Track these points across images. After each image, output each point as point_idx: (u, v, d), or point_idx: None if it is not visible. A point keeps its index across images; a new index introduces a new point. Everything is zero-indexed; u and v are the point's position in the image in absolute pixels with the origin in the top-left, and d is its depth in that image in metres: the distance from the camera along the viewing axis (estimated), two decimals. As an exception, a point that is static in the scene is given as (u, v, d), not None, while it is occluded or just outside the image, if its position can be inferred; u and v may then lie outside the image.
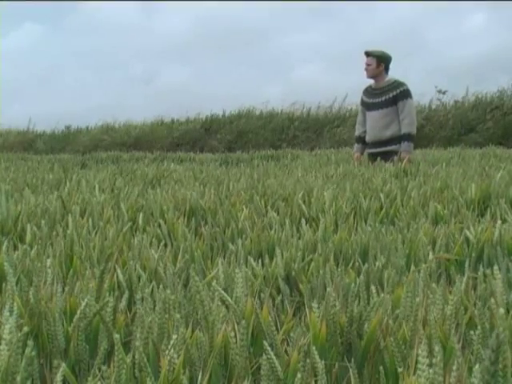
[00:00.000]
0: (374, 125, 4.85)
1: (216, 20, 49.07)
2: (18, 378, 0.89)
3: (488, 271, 1.38)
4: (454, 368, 0.82)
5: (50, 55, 43.10)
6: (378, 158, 4.63)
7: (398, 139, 4.74)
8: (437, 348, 0.79)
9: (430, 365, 0.80)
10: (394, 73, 5.02)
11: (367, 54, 4.86)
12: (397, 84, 4.81)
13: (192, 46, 44.31)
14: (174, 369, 0.93)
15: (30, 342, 0.90)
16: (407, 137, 4.69)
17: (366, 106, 4.96)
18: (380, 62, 4.82)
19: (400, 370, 0.92)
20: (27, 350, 0.89)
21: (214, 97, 24.82)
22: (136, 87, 33.12)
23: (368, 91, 4.99)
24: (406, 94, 4.75)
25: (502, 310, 0.92)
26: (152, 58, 43.29)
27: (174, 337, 0.97)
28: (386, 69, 4.89)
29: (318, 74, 30.03)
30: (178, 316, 1.06)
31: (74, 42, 44.95)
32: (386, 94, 4.81)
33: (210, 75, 31.94)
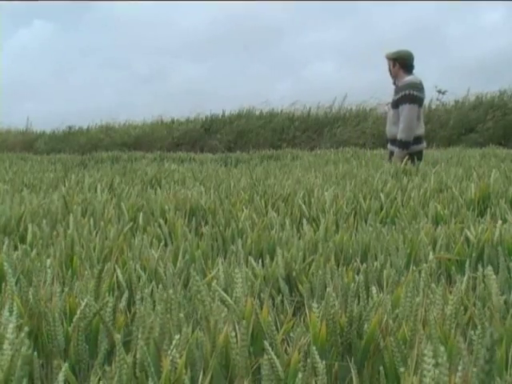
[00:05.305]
0: (387, 122, 5.04)
1: (232, 19, 49.00)
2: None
3: (486, 271, 1.38)
4: (460, 368, 0.82)
5: (60, 53, 42.91)
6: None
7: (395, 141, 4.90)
8: (442, 348, 0.78)
9: (435, 365, 0.79)
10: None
11: (386, 57, 4.94)
12: (404, 87, 4.81)
13: (206, 45, 44.22)
14: (176, 369, 0.93)
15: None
16: (398, 143, 4.81)
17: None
18: (395, 62, 4.88)
19: (402, 369, 0.92)
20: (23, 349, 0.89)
21: (225, 95, 24.76)
22: (147, 86, 33.06)
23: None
24: (406, 99, 4.77)
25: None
26: (165, 56, 43.24)
27: (177, 337, 0.97)
28: (404, 68, 4.87)
29: (333, 73, 30.14)
30: (181, 315, 1.06)
31: (86, 41, 44.76)
32: (395, 94, 4.89)
33: (223, 74, 31.95)
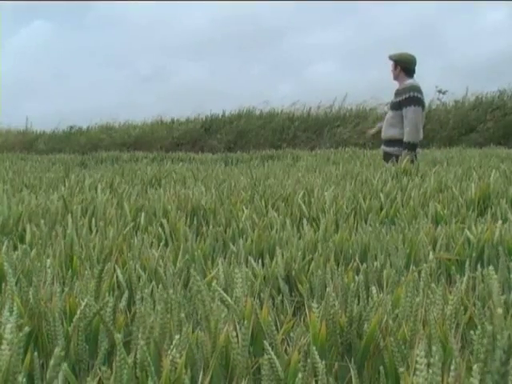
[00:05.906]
0: (384, 124, 5.06)
1: (233, 19, 48.93)
2: (19, 378, 0.89)
3: (488, 270, 1.38)
4: (452, 368, 0.82)
5: (60, 53, 42.89)
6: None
7: (397, 143, 4.85)
8: (434, 348, 0.78)
9: (429, 364, 0.79)
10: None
11: (389, 58, 4.95)
12: (406, 89, 4.79)
13: (207, 45, 44.08)
14: (175, 368, 0.93)
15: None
16: (406, 145, 4.77)
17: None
18: (396, 64, 4.87)
19: (402, 370, 0.92)
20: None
21: (226, 95, 24.78)
22: (147, 86, 33.04)
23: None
24: (410, 101, 4.74)
25: (499, 310, 0.92)
26: (165, 56, 43.21)
27: (177, 337, 0.96)
28: (405, 71, 4.86)
29: (333, 73, 30.17)
30: (182, 315, 1.06)
31: (87, 40, 44.71)
32: (396, 97, 4.88)
33: (224, 74, 31.94)
